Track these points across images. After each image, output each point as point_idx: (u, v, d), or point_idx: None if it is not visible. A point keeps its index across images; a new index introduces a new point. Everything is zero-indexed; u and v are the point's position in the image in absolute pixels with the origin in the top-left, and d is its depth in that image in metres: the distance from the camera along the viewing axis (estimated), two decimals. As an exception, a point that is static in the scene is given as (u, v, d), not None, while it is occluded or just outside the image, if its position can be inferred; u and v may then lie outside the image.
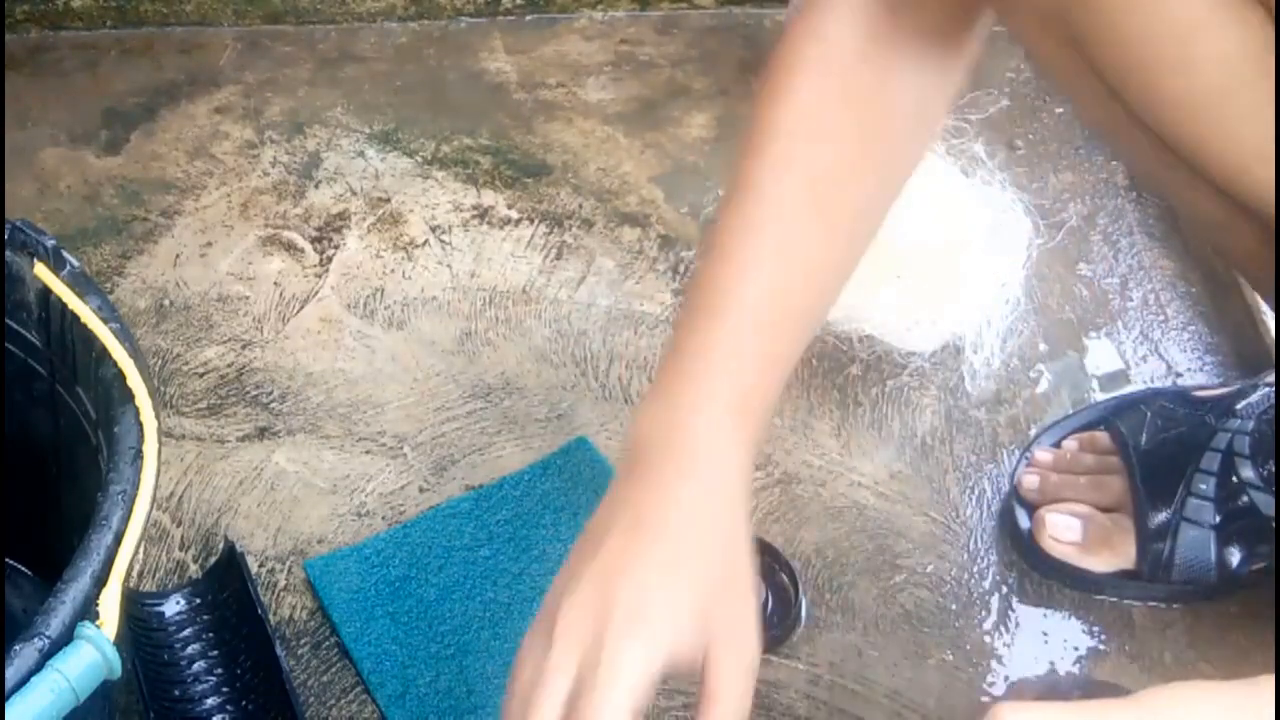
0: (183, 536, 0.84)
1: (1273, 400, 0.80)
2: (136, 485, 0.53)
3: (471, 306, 0.99)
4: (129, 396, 0.57)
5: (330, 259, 1.04)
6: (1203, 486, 0.77)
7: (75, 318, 0.60)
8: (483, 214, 1.07)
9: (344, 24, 1.29)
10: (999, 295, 0.96)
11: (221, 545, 0.81)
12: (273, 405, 0.92)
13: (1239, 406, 0.80)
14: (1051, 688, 0.75)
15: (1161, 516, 0.78)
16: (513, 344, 0.97)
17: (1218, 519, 0.78)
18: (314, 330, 0.98)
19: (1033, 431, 0.89)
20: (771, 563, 0.81)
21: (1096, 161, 1.12)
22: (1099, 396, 0.92)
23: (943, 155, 1.03)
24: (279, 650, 0.73)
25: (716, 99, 1.18)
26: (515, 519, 0.84)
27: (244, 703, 0.74)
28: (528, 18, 1.28)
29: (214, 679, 0.75)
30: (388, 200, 1.09)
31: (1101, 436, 0.85)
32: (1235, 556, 0.78)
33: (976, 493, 0.86)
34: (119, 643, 0.49)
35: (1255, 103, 0.54)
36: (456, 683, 0.75)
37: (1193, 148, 0.57)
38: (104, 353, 0.59)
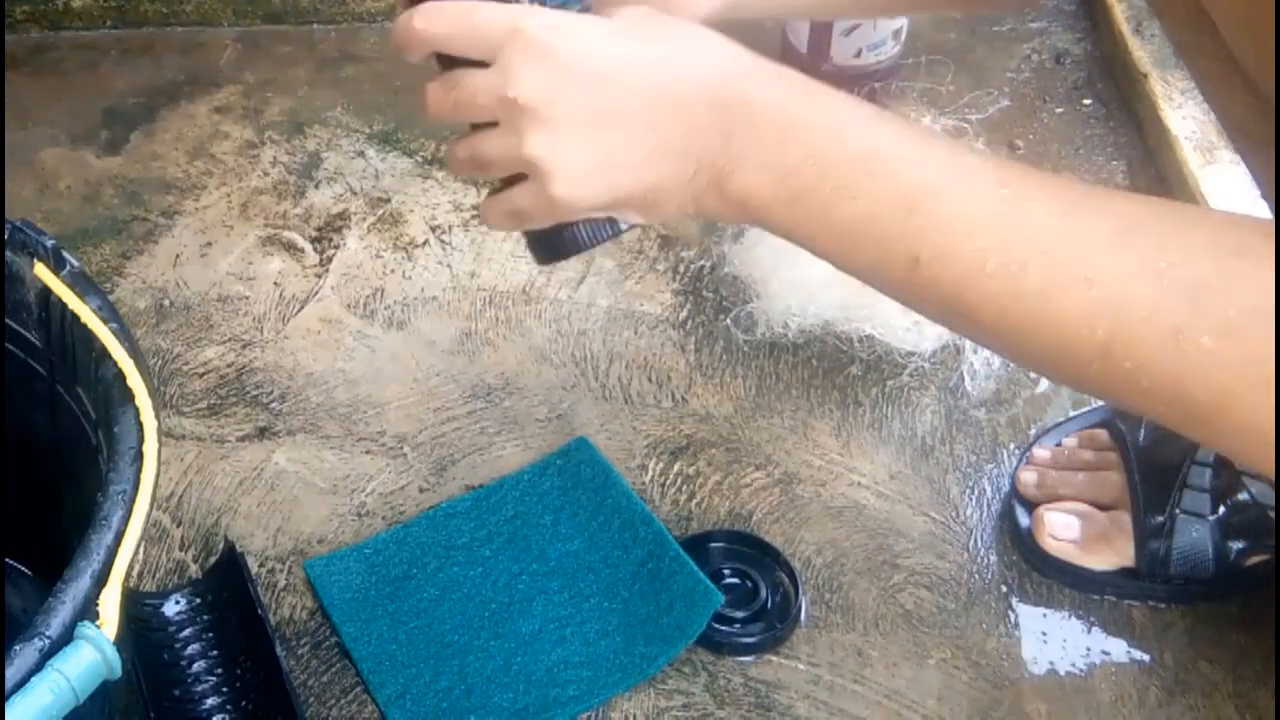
0: (183, 536, 0.84)
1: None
2: (136, 485, 0.53)
3: (471, 306, 0.99)
4: (129, 396, 0.57)
5: (330, 259, 1.04)
6: (1199, 479, 0.78)
7: (75, 318, 0.60)
8: (483, 214, 1.07)
9: (344, 24, 1.29)
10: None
11: (221, 545, 0.81)
12: (273, 405, 0.92)
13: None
14: None
15: (1159, 513, 0.78)
16: (513, 344, 0.97)
17: (1219, 511, 0.78)
18: (314, 330, 0.98)
19: (1033, 432, 0.89)
20: (771, 563, 0.81)
21: (1096, 161, 1.12)
22: (1099, 396, 0.92)
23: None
24: (279, 650, 0.74)
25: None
26: (515, 519, 0.84)
27: (244, 703, 0.74)
28: (528, 18, 1.28)
29: (214, 679, 0.75)
30: (388, 200, 1.09)
31: (1100, 433, 0.85)
32: (1236, 548, 0.78)
33: (976, 493, 0.86)
34: (119, 643, 0.49)
35: None
36: (456, 683, 0.75)
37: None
38: (104, 353, 0.59)
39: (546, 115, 0.57)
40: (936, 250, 0.54)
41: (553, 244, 0.64)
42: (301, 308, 1.00)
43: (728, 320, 0.97)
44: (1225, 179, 1.03)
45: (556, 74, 0.56)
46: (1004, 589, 0.81)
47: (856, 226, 0.55)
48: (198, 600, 0.78)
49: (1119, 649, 0.78)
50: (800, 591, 0.79)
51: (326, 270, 1.03)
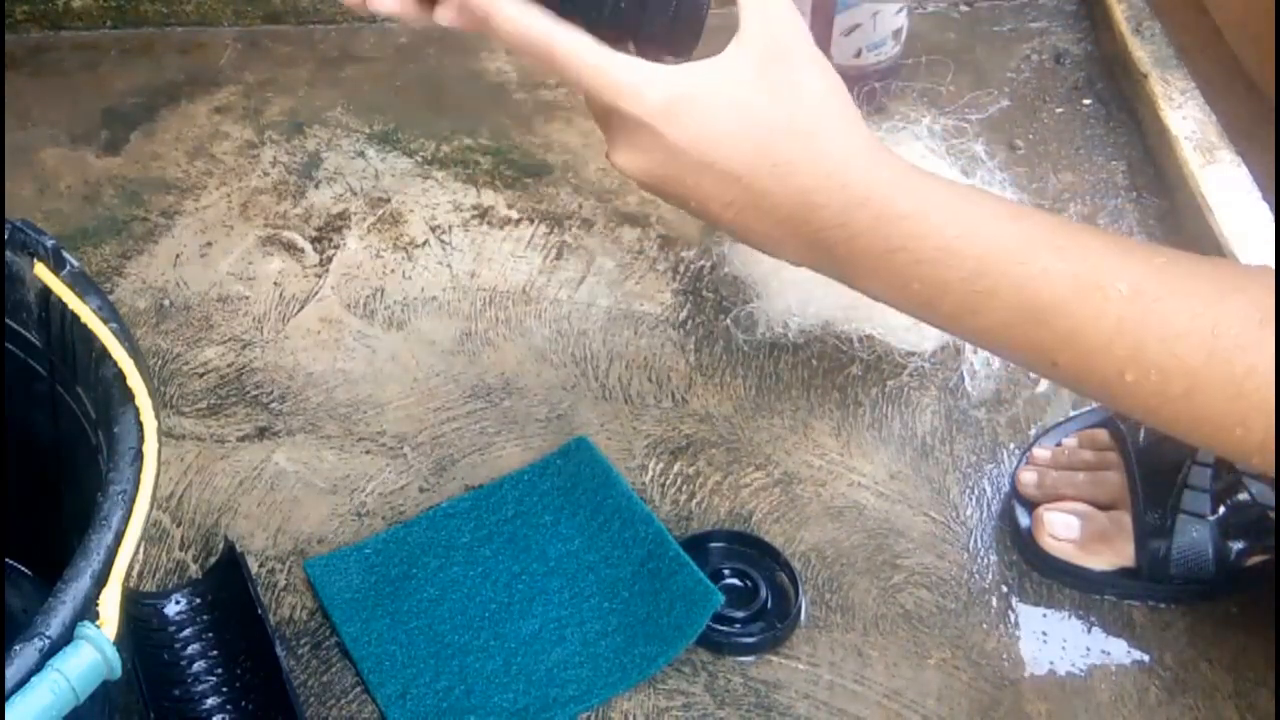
0: (183, 536, 0.84)
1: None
2: (136, 485, 0.53)
3: (471, 306, 0.99)
4: (129, 396, 0.57)
5: (330, 259, 1.04)
6: (1199, 479, 0.78)
7: (75, 318, 0.60)
8: (483, 214, 1.07)
9: (344, 24, 1.29)
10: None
11: (221, 545, 0.81)
12: (273, 405, 0.92)
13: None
14: None
15: (1159, 513, 0.78)
16: (513, 344, 0.97)
17: (1219, 511, 0.78)
18: (314, 330, 0.98)
19: (1033, 432, 0.89)
20: (771, 563, 0.81)
21: (1096, 161, 1.12)
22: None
23: (943, 155, 1.04)
24: (279, 650, 0.73)
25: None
26: (515, 519, 0.84)
27: (244, 703, 0.74)
28: (528, 18, 1.28)
29: (214, 679, 0.75)
30: (388, 200, 1.09)
31: (1100, 433, 0.85)
32: (1236, 548, 0.78)
33: (976, 493, 0.86)
34: (119, 643, 0.49)
35: None
36: (456, 683, 0.75)
37: None
38: (104, 353, 0.59)
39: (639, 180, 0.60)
40: (1073, 358, 0.54)
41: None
42: (301, 308, 1.00)
43: (728, 320, 0.97)
44: (1225, 179, 1.03)
45: (660, 169, 0.59)
46: (1004, 589, 0.81)
47: (988, 334, 0.56)
48: (198, 600, 0.78)
49: (1119, 649, 0.78)
50: (800, 591, 0.79)
51: (326, 270, 1.03)
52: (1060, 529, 0.80)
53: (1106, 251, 0.53)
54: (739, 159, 0.57)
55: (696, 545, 0.81)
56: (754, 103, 0.56)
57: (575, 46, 0.58)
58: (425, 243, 1.05)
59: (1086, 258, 0.53)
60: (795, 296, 0.95)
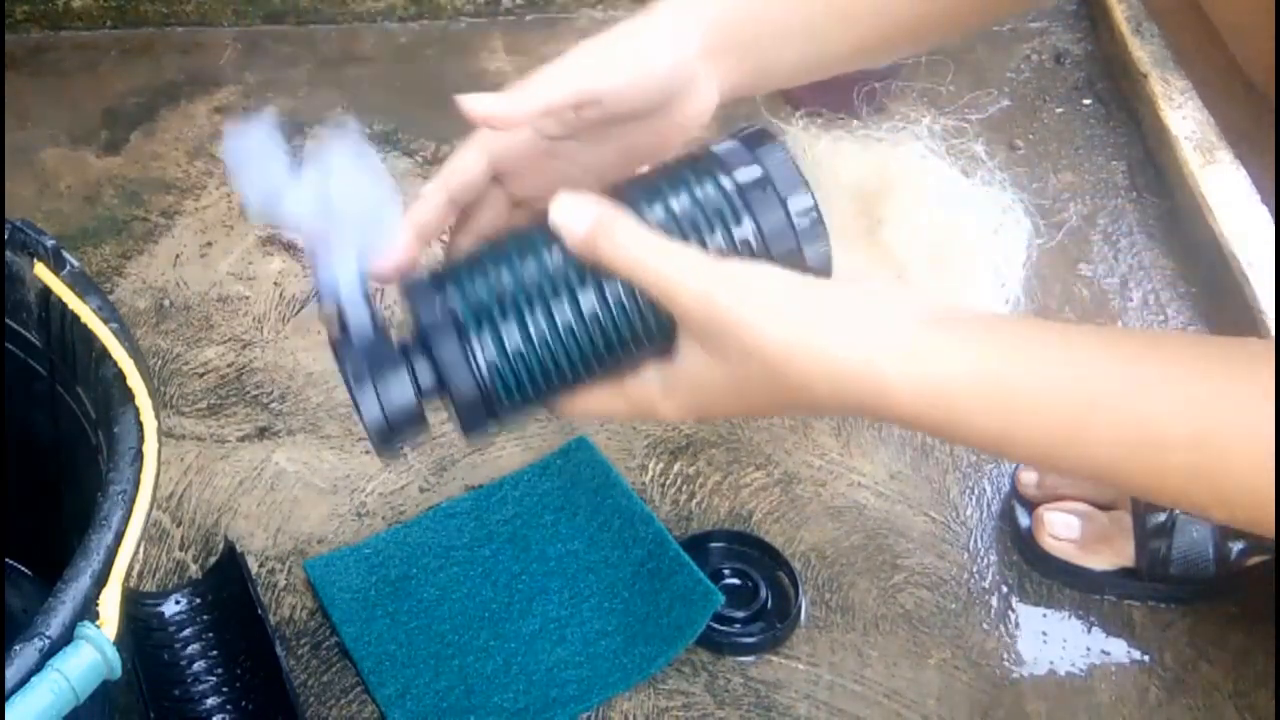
0: (183, 536, 0.84)
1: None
2: (136, 485, 0.53)
3: (471, 306, 0.99)
4: (129, 396, 0.57)
5: (330, 259, 1.03)
6: None
7: (75, 318, 0.60)
8: (483, 214, 1.07)
9: (344, 24, 1.29)
10: (999, 295, 0.96)
11: (221, 545, 0.81)
12: (273, 405, 0.92)
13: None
14: None
15: (1159, 513, 0.78)
16: (513, 344, 0.96)
17: None
18: (314, 330, 0.98)
19: (1033, 431, 0.89)
20: (771, 563, 0.81)
21: (1096, 161, 1.12)
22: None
23: (943, 155, 1.03)
24: (279, 650, 0.73)
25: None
26: (515, 519, 0.84)
27: (244, 703, 0.74)
28: (528, 18, 1.28)
29: (214, 679, 0.75)
30: (388, 200, 1.09)
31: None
32: (1236, 548, 0.78)
33: (976, 493, 0.86)
34: (119, 643, 0.49)
35: None
36: (456, 682, 0.75)
37: None
38: (104, 353, 0.59)
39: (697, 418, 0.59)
40: (1085, 471, 0.52)
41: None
42: (301, 308, 1.00)
43: (728, 320, 0.97)
44: (1225, 179, 1.03)
45: (699, 412, 0.58)
46: (1004, 589, 0.81)
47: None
48: (198, 600, 0.78)
49: (1119, 649, 0.78)
50: (800, 591, 0.79)
51: (326, 270, 1.02)
52: (1060, 529, 0.81)
53: (1086, 357, 0.51)
54: (747, 408, 0.57)
55: (696, 545, 0.81)
56: (728, 383, 0.56)
57: (608, 402, 0.59)
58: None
59: (1083, 380, 0.50)
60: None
